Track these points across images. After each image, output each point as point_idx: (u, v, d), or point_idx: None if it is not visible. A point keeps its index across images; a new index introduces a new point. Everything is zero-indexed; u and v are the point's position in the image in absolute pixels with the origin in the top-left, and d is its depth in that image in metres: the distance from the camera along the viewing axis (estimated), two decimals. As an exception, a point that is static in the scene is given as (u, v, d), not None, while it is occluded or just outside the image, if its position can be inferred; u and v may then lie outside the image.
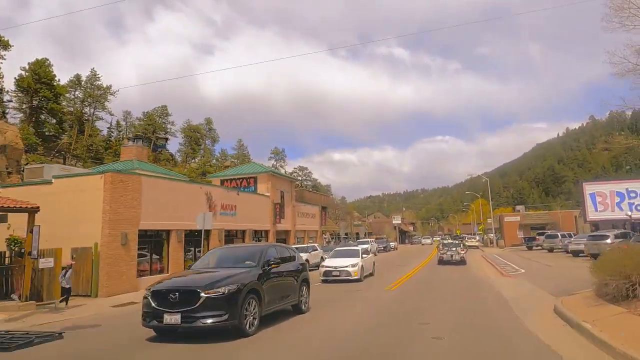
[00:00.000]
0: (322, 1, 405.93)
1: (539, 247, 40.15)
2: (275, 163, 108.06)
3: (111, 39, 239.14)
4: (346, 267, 16.32)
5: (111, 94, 68.82)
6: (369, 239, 44.19)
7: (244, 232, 26.87)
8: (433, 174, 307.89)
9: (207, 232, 23.01)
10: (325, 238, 47.15)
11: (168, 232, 20.06)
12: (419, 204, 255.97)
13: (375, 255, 44.68)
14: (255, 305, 7.89)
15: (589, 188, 35.46)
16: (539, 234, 41.24)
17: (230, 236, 26.08)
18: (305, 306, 10.29)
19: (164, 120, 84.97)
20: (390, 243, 56.81)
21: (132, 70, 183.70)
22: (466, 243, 52.81)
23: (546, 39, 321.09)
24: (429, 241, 74.39)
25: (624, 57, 14.22)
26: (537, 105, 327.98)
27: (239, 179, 31.79)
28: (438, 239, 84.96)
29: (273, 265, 8.87)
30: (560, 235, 35.08)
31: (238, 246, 14.64)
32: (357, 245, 38.96)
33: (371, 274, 18.84)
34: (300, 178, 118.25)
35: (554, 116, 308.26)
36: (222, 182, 31.74)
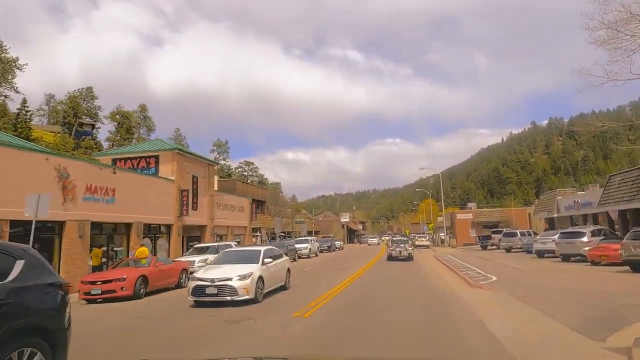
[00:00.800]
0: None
1: (494, 247, 36.30)
2: (217, 156, 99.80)
3: (51, 25, 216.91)
4: (229, 280, 10.00)
5: (18, 68, 58.05)
6: (310, 238, 38.28)
7: (128, 225, 19.83)
8: (384, 175, 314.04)
9: (60, 224, 15.90)
10: (257, 236, 40.68)
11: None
12: (370, 204, 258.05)
13: (316, 255, 39.49)
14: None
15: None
16: (494, 232, 37.37)
17: (106, 231, 18.98)
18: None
19: (90, 105, 74.22)
20: (336, 242, 51.36)
21: (75, 60, 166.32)
22: (416, 242, 48.60)
23: (491, 50, 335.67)
24: (375, 241, 66.88)
25: None
26: (481, 112, 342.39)
27: (136, 158, 24.55)
28: (386, 238, 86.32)
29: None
30: (520, 233, 31.04)
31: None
32: (294, 243, 34.11)
33: (283, 287, 12.65)
34: (245, 173, 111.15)
35: (496, 123, 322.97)
36: (114, 161, 24.40)
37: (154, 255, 21.66)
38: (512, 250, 31.50)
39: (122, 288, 13.28)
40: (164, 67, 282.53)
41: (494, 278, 14.95)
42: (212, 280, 9.91)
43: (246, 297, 9.86)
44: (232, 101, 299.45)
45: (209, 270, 10.65)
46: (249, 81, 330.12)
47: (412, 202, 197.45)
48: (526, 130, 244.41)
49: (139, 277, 13.82)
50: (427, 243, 48.81)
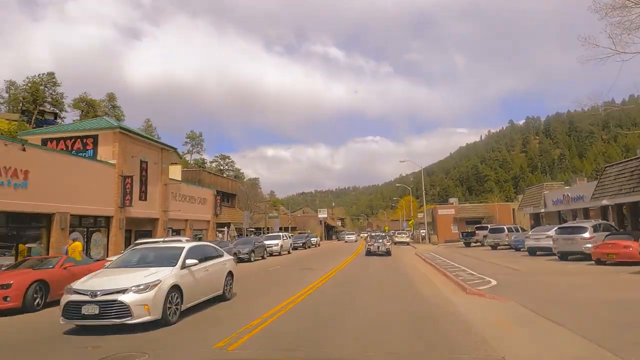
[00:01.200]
0: None
1: (479, 244, 33.97)
2: (191, 149, 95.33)
3: (23, 14, 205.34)
4: (120, 293, 6.59)
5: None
6: (282, 234, 35.08)
7: (49, 216, 16.19)
8: (364, 172, 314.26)
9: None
10: (223, 231, 37.20)
11: None
12: (350, 201, 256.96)
13: (289, 253, 36.16)
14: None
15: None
16: (478, 229, 35.01)
17: (14, 223, 15.32)
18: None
19: (52, 92, 68.74)
20: (312, 238, 48.31)
21: (47, 51, 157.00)
22: (395, 239, 46.04)
23: (469, 51, 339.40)
24: (353, 237, 61.74)
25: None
26: (460, 111, 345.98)
27: (70, 138, 20.76)
28: (365, 234, 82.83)
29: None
30: (507, 229, 28.65)
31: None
32: (263, 240, 30.85)
33: (221, 298, 9.37)
34: (222, 168, 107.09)
35: (474, 122, 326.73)
36: (45, 141, 20.58)
37: (88, 252, 18.12)
38: (499, 247, 29.12)
39: (5, 298, 9.83)
40: (141, 60, 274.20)
41: (493, 282, 12.12)
42: (93, 294, 6.48)
43: (147, 317, 6.49)
44: (211, 96, 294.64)
45: (95, 277, 7.23)
46: (229, 77, 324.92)
47: (391, 199, 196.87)
48: (504, 129, 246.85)
49: (33, 283, 10.38)
50: (408, 240, 46.35)
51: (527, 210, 36.75)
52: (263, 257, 27.95)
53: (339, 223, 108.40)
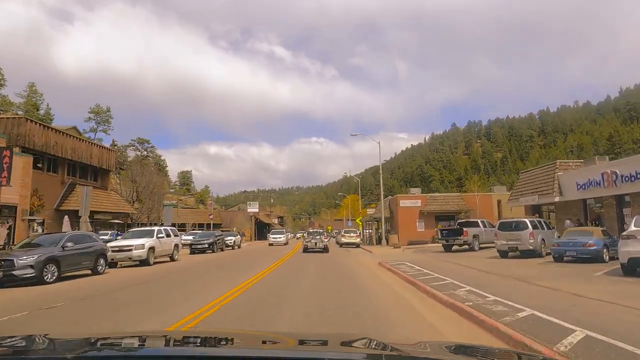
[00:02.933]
0: None
1: (467, 247, 22.79)
2: (95, 126, 76.86)
3: None
4: None
5: None
6: (157, 228, 21.23)
7: None
8: (309, 173, 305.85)
9: None
10: (35, 221, 22.36)
11: None
12: (293, 201, 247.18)
13: (173, 260, 19.92)
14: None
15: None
16: (464, 225, 23.76)
17: None
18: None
19: None
20: (228, 237, 34.85)
21: None
22: (341, 239, 34.11)
23: (411, 58, 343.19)
24: (281, 238, 40.53)
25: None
26: (401, 116, 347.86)
27: None
28: (301, 233, 68.84)
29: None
30: (531, 224, 17.42)
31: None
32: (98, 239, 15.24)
33: None
34: (139, 152, 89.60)
35: (415, 128, 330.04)
36: None
37: None
38: (510, 254, 17.86)
39: None
40: (73, 46, 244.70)
41: None
42: None
43: None
44: (151, 89, 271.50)
45: None
46: (171, 69, 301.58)
47: (335, 199, 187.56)
48: (447, 131, 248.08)
49: None
50: (357, 240, 34.58)
51: (525, 200, 26.13)
52: (99, 272, 14.31)
53: (276, 221, 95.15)
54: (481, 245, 23.05)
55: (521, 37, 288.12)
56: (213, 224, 58.16)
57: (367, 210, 56.45)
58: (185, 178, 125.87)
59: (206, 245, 28.20)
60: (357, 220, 55.52)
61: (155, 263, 18.58)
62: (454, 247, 23.63)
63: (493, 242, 23.03)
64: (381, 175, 34.82)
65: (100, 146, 27.74)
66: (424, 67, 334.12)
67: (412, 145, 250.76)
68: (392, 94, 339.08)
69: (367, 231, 53.29)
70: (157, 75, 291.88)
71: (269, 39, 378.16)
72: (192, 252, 28.35)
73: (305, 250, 27.10)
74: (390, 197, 39.58)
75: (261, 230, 71.74)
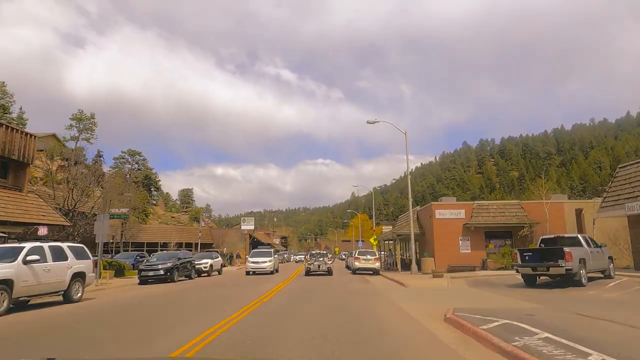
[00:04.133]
0: (211, 13, 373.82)
1: (568, 278, 13.88)
2: (77, 135, 69.16)
3: None
4: None
5: None
6: (51, 246, 12.52)
7: None
8: (315, 194, 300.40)
9: None
10: None
11: None
12: (300, 222, 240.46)
13: (69, 302, 12.75)
14: None
15: None
16: (552, 242, 14.87)
17: None
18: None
19: None
20: (205, 260, 26.09)
21: None
22: (355, 264, 25.30)
23: (415, 81, 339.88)
24: (266, 264, 26.57)
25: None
26: (408, 138, 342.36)
27: None
28: (301, 256, 61.62)
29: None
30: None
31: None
32: None
33: None
34: (130, 165, 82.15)
35: (420, 150, 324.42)
36: None
37: None
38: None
39: None
40: (83, 69, 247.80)
41: None
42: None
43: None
44: (159, 111, 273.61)
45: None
46: (178, 92, 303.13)
47: (342, 218, 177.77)
48: (458, 150, 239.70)
49: None
50: (377, 265, 25.65)
51: (632, 208, 17.22)
52: None
53: (278, 241, 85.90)
54: (588, 275, 14.11)
55: (521, 60, 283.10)
56: (202, 243, 49.41)
57: (383, 228, 47.39)
58: (187, 196, 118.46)
59: (161, 273, 19.49)
60: (371, 240, 46.33)
61: (29, 306, 10.04)
62: (541, 277, 14.71)
63: (604, 270, 14.22)
64: (408, 173, 25.88)
65: (10, 127, 19.38)
66: (428, 89, 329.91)
67: (421, 164, 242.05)
68: (397, 116, 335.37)
69: (382, 253, 44.03)
70: (165, 97, 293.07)
71: (275, 62, 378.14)
72: (142, 282, 19.67)
73: (308, 273, 24.66)
74: (417, 207, 30.50)
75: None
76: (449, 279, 18.24)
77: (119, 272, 22.74)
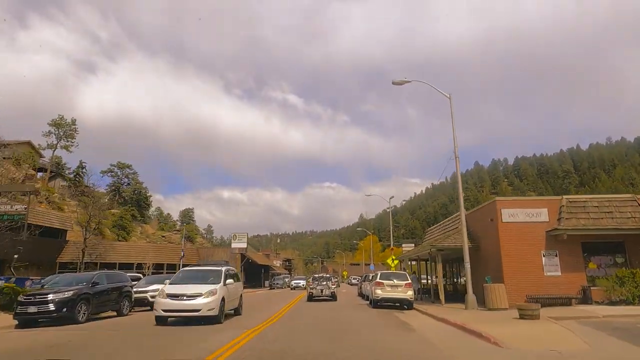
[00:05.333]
0: (219, 39, 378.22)
1: None
2: (55, 142, 61.73)
3: None
4: None
5: None
6: None
7: None
8: (322, 217, 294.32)
9: None
10: None
11: None
12: (307, 244, 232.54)
13: None
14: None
15: None
16: None
17: None
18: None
19: None
20: (153, 287, 17.58)
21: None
22: (379, 292, 16.72)
23: (420, 105, 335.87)
24: (201, 299, 11.95)
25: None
26: (413, 162, 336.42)
27: None
28: (307, 279, 53.66)
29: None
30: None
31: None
32: None
33: None
34: (121, 182, 75.24)
35: (429, 173, 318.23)
36: None
37: None
38: None
39: None
40: (94, 94, 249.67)
41: None
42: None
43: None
44: (167, 134, 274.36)
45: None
46: (186, 117, 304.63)
47: (350, 240, 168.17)
48: (470, 170, 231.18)
49: None
50: (409, 294, 17.18)
51: None
52: None
53: (278, 263, 76.81)
54: None
55: (528, 82, 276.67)
56: (184, 264, 40.94)
57: (403, 247, 38.69)
58: (187, 216, 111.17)
59: (50, 308, 11.13)
60: (388, 261, 37.80)
61: None
62: None
63: None
64: (457, 158, 17.26)
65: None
66: (434, 112, 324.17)
67: (432, 184, 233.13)
68: (403, 140, 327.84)
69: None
70: (173, 121, 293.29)
71: (282, 87, 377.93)
72: (23, 324, 11.38)
73: (310, 298, 23.88)
74: (467, 211, 21.86)
75: (256, 273, 53.89)
76: (561, 326, 9.66)
77: (10, 303, 14.45)
